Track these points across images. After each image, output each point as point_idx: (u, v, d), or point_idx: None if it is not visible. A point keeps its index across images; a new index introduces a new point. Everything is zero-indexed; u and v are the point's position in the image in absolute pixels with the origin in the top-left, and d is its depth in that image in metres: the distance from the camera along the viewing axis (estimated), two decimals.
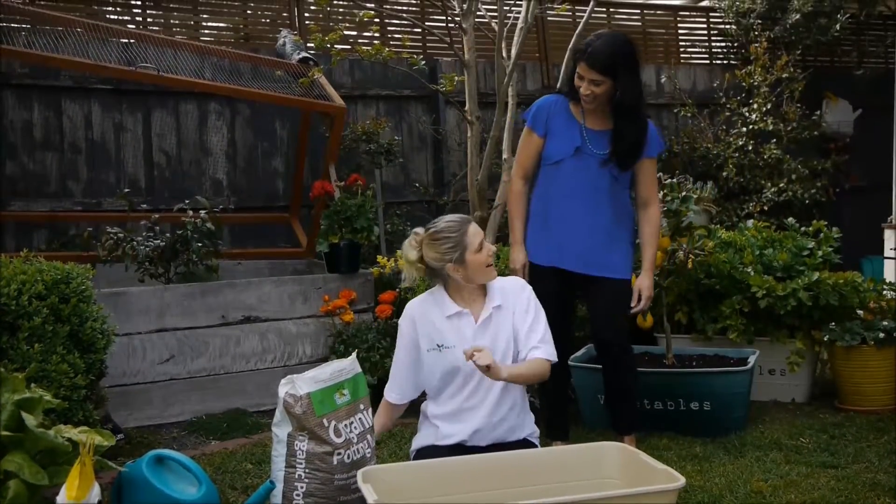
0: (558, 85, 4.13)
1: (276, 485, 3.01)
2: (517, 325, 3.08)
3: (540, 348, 3.06)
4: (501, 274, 4.51)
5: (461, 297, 3.10)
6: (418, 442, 3.18)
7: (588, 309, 3.81)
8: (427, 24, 6.89)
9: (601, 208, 3.53)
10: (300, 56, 5.86)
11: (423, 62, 6.02)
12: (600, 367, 3.87)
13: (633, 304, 3.60)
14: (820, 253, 4.67)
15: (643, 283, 3.60)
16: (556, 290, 3.58)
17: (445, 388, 3.09)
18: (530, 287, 3.18)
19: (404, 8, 7.36)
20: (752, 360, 4.15)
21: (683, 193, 4.21)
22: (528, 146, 3.64)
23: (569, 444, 3.59)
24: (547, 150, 3.58)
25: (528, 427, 3.15)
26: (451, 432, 3.06)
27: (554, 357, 3.09)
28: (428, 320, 3.09)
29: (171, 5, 6.63)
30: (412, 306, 3.15)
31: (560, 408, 3.77)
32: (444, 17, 5.72)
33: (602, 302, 3.59)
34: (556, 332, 3.63)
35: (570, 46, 5.64)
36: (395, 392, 3.21)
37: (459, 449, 3.02)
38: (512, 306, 3.11)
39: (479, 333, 3.06)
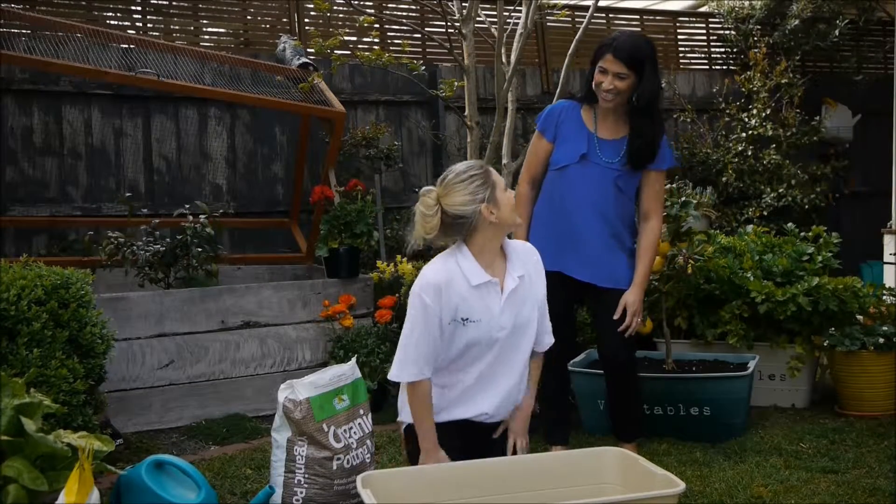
0: (566, 91, 4.11)
1: (275, 490, 3.01)
2: (540, 305, 2.95)
3: (548, 334, 3.02)
4: None
5: (484, 261, 2.81)
6: (408, 416, 2.90)
7: (594, 323, 3.76)
8: (427, 29, 6.91)
9: (605, 218, 3.50)
10: (300, 61, 5.87)
11: (423, 67, 6.04)
12: (600, 371, 3.86)
13: (615, 317, 3.47)
14: (819, 258, 4.67)
15: (629, 298, 3.47)
16: (559, 294, 3.56)
17: (455, 363, 2.84)
18: (538, 255, 3.03)
19: (404, 13, 7.37)
20: (751, 365, 4.15)
21: (683, 198, 4.21)
22: (537, 150, 3.63)
23: (568, 448, 3.59)
24: (554, 155, 3.56)
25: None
26: (456, 406, 2.87)
27: (552, 340, 3.04)
28: (454, 290, 2.75)
29: (172, 11, 6.64)
30: (435, 274, 2.77)
31: (560, 412, 3.77)
32: (443, 23, 5.73)
33: (609, 318, 3.53)
34: (559, 337, 3.64)
35: (569, 52, 5.66)
36: (429, 369, 2.77)
37: (463, 425, 2.85)
38: (533, 277, 2.93)
39: (506, 307, 2.83)
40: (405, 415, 2.92)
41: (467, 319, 2.77)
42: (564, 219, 3.52)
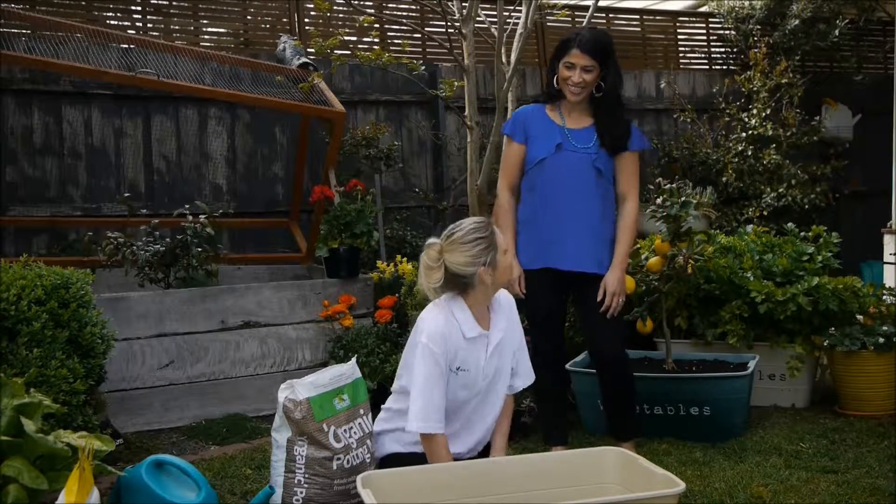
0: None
1: (275, 490, 3.01)
2: (517, 349, 3.14)
3: (521, 378, 3.18)
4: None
5: (476, 314, 2.98)
6: (388, 447, 3.09)
7: (582, 321, 3.75)
8: (427, 29, 6.91)
9: (589, 204, 3.54)
10: (300, 61, 5.87)
11: (423, 67, 6.03)
12: None
13: (598, 299, 3.51)
14: (819, 258, 4.67)
15: (608, 279, 3.50)
16: (548, 294, 3.58)
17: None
18: (514, 301, 3.22)
19: (404, 13, 7.37)
20: (751, 365, 4.15)
21: (683, 198, 4.21)
22: (510, 155, 3.67)
23: (568, 448, 3.58)
24: (529, 153, 3.61)
25: None
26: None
27: (531, 378, 3.21)
28: (452, 340, 2.91)
29: (172, 11, 6.64)
30: (437, 325, 2.90)
31: (558, 413, 3.76)
32: (443, 23, 5.73)
33: (597, 315, 3.55)
34: (550, 339, 3.65)
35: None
36: (441, 421, 2.89)
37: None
38: (513, 325, 3.12)
39: (489, 360, 3.01)
40: (388, 447, 3.07)
41: (460, 369, 2.94)
42: (548, 211, 3.55)
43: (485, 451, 3.14)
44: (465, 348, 2.94)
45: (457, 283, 2.92)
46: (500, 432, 3.13)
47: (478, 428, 3.07)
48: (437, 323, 2.90)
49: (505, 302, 3.13)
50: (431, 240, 2.96)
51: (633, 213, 3.61)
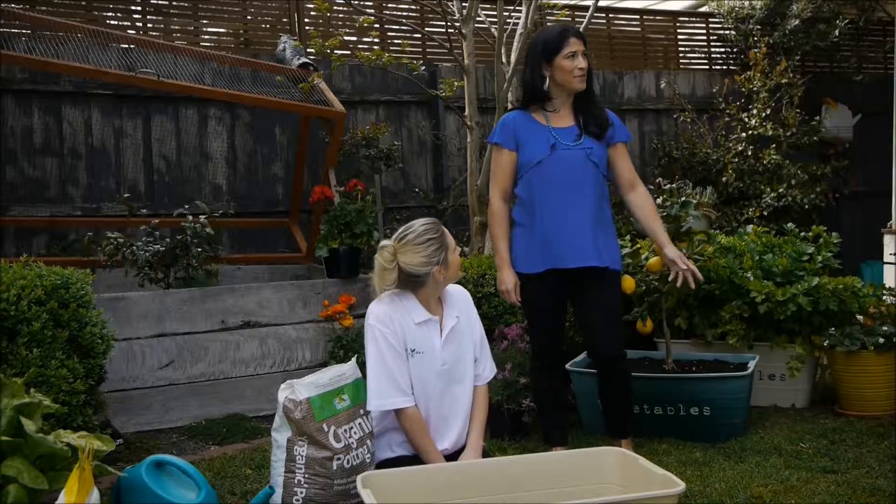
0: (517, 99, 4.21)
1: (275, 490, 3.01)
2: (477, 339, 3.22)
3: (486, 368, 3.23)
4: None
5: (428, 305, 3.10)
6: (378, 454, 3.16)
7: (582, 321, 3.73)
8: (427, 29, 6.92)
9: (587, 199, 3.55)
10: (300, 61, 5.87)
11: (423, 67, 6.04)
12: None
13: (670, 278, 3.62)
14: (819, 258, 4.67)
15: (672, 254, 3.60)
16: (549, 298, 3.58)
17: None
18: (469, 295, 3.29)
19: (404, 13, 7.37)
20: (751, 365, 4.15)
21: (683, 198, 4.21)
22: (502, 163, 3.66)
23: (568, 448, 3.58)
24: (523, 158, 3.60)
25: None
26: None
27: (494, 370, 3.28)
28: (400, 322, 3.04)
29: (172, 11, 6.64)
30: (381, 309, 3.04)
31: (558, 413, 3.76)
32: (443, 23, 5.74)
33: (598, 313, 3.57)
34: (551, 339, 3.66)
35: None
36: (406, 395, 3.01)
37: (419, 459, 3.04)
38: (467, 318, 3.19)
39: (445, 344, 3.09)
40: (378, 454, 3.14)
41: (415, 350, 3.05)
42: (547, 211, 3.55)
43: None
44: (416, 331, 3.05)
45: (410, 283, 3.05)
46: (474, 429, 3.15)
47: (454, 422, 3.11)
48: (383, 306, 3.05)
49: (458, 296, 3.22)
50: (384, 242, 3.08)
51: (648, 195, 3.73)
